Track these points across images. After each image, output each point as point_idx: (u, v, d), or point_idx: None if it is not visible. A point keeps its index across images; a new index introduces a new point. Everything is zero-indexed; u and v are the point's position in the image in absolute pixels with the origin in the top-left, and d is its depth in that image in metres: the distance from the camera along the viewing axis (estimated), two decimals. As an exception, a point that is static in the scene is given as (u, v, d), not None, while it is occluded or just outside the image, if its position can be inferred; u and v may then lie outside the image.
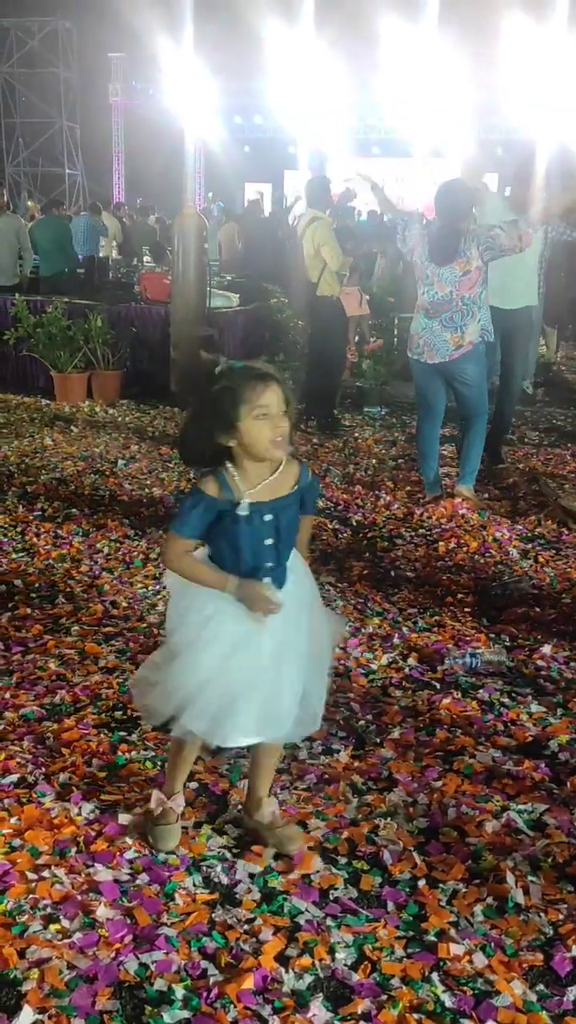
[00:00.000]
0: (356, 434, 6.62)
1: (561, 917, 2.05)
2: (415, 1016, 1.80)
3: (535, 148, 5.68)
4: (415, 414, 4.95)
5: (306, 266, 6.40)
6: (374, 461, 5.84)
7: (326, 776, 2.55)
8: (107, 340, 7.29)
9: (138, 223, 14.40)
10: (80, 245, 10.99)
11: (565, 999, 1.85)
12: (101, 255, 11.60)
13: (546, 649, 3.32)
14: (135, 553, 4.19)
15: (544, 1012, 1.82)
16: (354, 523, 4.68)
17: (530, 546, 4.40)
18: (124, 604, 3.64)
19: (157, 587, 3.82)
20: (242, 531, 2.01)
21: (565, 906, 2.09)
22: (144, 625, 3.45)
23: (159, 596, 3.72)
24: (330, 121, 16.80)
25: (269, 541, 2.04)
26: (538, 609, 3.68)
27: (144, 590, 3.78)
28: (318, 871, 2.18)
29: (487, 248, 4.58)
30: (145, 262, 10.53)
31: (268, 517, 2.02)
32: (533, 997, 1.86)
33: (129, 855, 2.21)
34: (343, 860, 2.23)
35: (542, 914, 2.06)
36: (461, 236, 4.57)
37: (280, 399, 1.97)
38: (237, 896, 2.11)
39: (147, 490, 5.16)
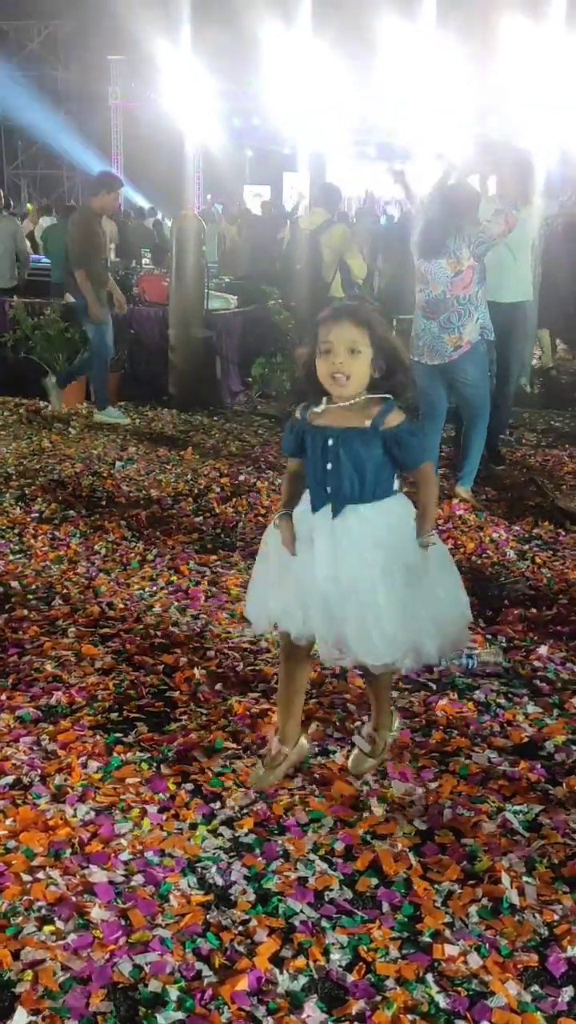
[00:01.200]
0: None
1: (556, 918, 2.05)
2: (409, 1017, 1.80)
3: (525, 145, 5.71)
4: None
5: (323, 267, 6.41)
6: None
7: (322, 777, 2.55)
8: (105, 342, 7.28)
9: (137, 225, 14.40)
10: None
11: (560, 1000, 1.85)
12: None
13: (543, 650, 3.32)
14: (132, 554, 4.19)
15: (539, 1013, 1.82)
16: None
17: (527, 547, 4.40)
18: (121, 605, 3.64)
19: (154, 588, 3.82)
20: (309, 450, 2.23)
21: (560, 907, 2.09)
22: (141, 626, 3.45)
23: (155, 597, 3.72)
24: (329, 123, 16.81)
25: (329, 466, 2.18)
26: (535, 610, 3.68)
27: (141, 591, 3.78)
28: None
29: (478, 243, 4.61)
30: (144, 264, 10.52)
31: (330, 442, 2.17)
32: (528, 998, 1.85)
33: (124, 856, 2.21)
34: (339, 860, 2.23)
35: (537, 915, 2.06)
36: (449, 233, 4.58)
37: (348, 337, 2.09)
38: (232, 897, 2.11)
39: (145, 492, 5.16)
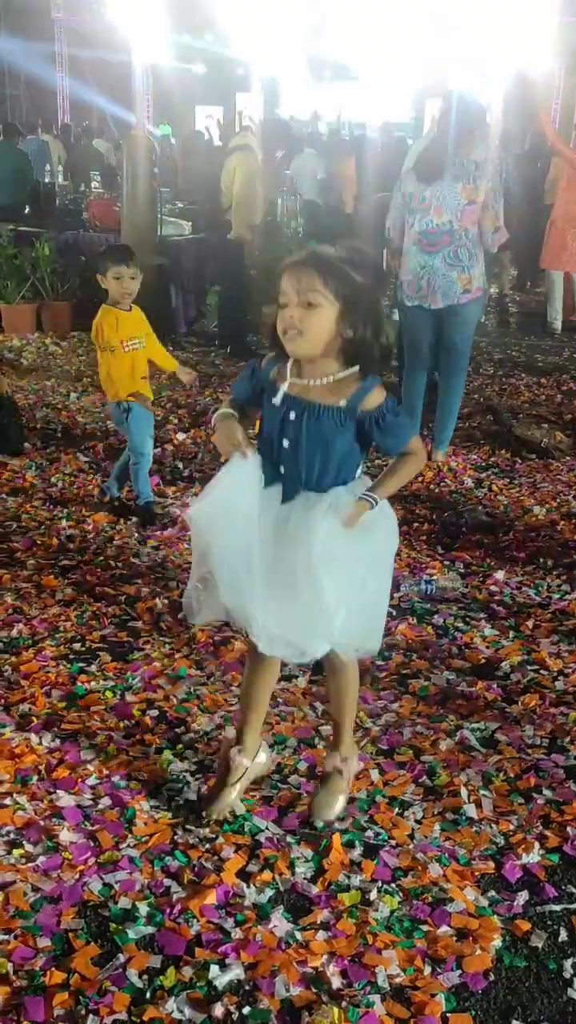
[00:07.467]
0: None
1: (512, 828, 2.14)
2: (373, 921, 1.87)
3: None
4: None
5: (221, 194, 6.35)
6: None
7: (285, 700, 2.59)
8: (55, 269, 7.08)
9: (85, 147, 13.88)
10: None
11: (515, 903, 1.93)
12: (47, 180, 11.18)
13: (499, 575, 3.38)
14: (90, 487, 4.14)
15: (495, 916, 1.90)
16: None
17: (484, 475, 4.45)
18: (80, 537, 3.61)
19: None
20: (267, 418, 1.93)
21: (515, 817, 2.17)
22: (101, 558, 3.43)
23: (116, 529, 3.70)
24: (283, 43, 16.19)
25: (286, 443, 1.88)
26: (492, 536, 3.74)
27: (101, 523, 3.75)
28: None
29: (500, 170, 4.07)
30: (93, 188, 10.18)
31: (292, 415, 1.87)
32: (485, 903, 1.94)
33: (91, 781, 2.24)
34: (303, 780, 2.28)
35: (494, 825, 2.14)
36: (462, 152, 3.95)
37: (303, 287, 1.78)
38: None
39: (101, 423, 5.08)
